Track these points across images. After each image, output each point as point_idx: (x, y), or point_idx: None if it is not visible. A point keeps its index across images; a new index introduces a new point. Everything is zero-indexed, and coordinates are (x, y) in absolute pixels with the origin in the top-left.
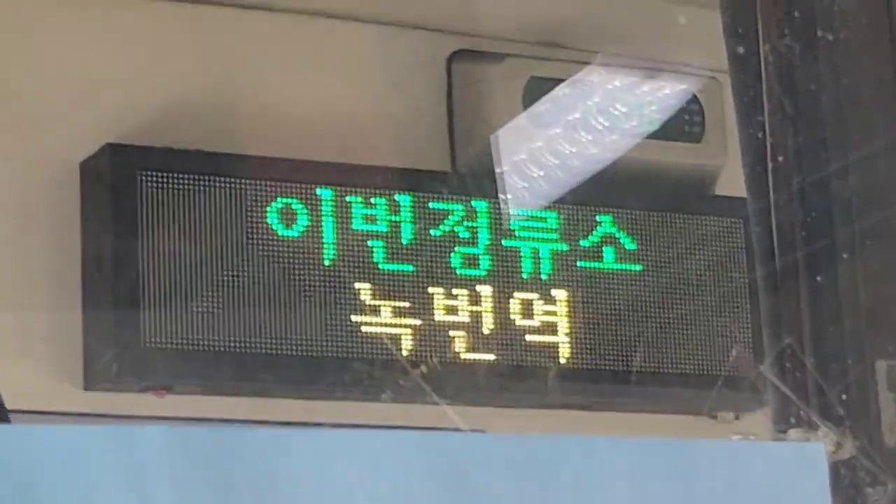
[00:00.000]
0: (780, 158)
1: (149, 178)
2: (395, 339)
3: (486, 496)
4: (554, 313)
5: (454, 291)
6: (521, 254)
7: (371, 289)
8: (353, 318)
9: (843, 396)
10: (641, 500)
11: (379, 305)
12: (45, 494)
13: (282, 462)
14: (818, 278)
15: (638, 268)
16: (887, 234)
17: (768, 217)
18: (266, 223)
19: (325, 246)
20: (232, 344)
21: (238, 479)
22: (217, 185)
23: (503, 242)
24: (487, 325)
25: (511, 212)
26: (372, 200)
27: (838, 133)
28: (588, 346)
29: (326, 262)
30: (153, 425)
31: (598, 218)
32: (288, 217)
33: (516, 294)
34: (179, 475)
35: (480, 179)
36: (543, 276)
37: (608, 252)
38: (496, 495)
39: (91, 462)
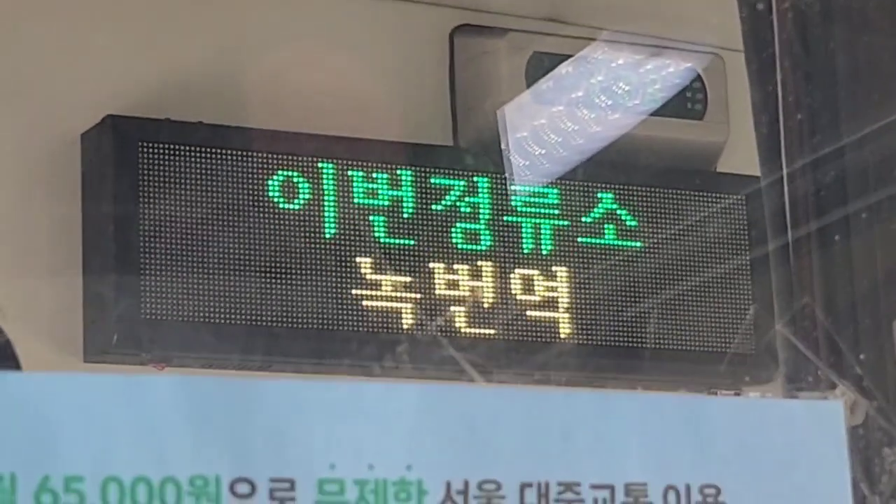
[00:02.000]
0: (798, 117)
1: (150, 150)
2: (396, 313)
3: (499, 449)
4: (555, 289)
5: (455, 266)
6: (523, 229)
7: (372, 263)
8: (354, 291)
9: (861, 356)
10: (655, 456)
11: (380, 280)
12: (58, 442)
13: (294, 413)
14: (834, 237)
15: (639, 244)
16: None
17: (781, 179)
18: (267, 196)
19: (327, 219)
20: (232, 317)
21: (250, 430)
22: (218, 157)
23: (504, 218)
24: (488, 300)
25: (513, 187)
26: (373, 175)
27: (856, 94)
28: (588, 322)
29: (327, 236)
30: (166, 375)
31: (599, 194)
32: (289, 190)
33: (517, 270)
34: (192, 424)
35: (482, 155)
36: (544, 252)
37: (609, 228)
38: (510, 449)
39: (104, 411)
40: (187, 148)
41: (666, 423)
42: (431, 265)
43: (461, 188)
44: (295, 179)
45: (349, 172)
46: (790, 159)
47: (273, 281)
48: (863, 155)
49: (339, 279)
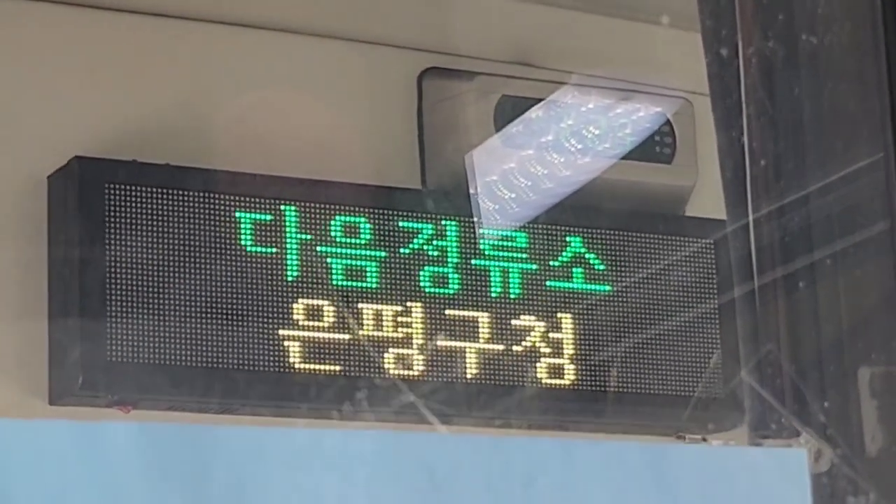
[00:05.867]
0: (762, 163)
1: (116, 192)
2: (364, 357)
3: (460, 496)
4: (522, 333)
5: (423, 310)
6: (491, 273)
7: (337, 306)
8: (320, 334)
9: (825, 404)
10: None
11: (347, 322)
12: (15, 491)
13: (253, 460)
14: (799, 284)
15: (607, 288)
16: (869, 239)
17: (747, 223)
18: (233, 238)
19: (291, 262)
20: (197, 360)
21: (209, 477)
22: (184, 199)
23: (472, 262)
24: (455, 343)
25: (481, 231)
26: (340, 217)
27: (820, 138)
28: (557, 366)
29: (291, 279)
30: (124, 423)
31: (567, 238)
32: (255, 232)
33: (485, 313)
34: (150, 472)
35: (450, 198)
36: (512, 296)
37: (577, 272)
38: (470, 496)
39: (61, 459)
40: (153, 190)
41: (629, 471)
42: (399, 308)
43: (429, 231)
44: (261, 222)
45: (315, 215)
46: (756, 206)
47: (238, 324)
48: (828, 202)
49: (303, 322)
